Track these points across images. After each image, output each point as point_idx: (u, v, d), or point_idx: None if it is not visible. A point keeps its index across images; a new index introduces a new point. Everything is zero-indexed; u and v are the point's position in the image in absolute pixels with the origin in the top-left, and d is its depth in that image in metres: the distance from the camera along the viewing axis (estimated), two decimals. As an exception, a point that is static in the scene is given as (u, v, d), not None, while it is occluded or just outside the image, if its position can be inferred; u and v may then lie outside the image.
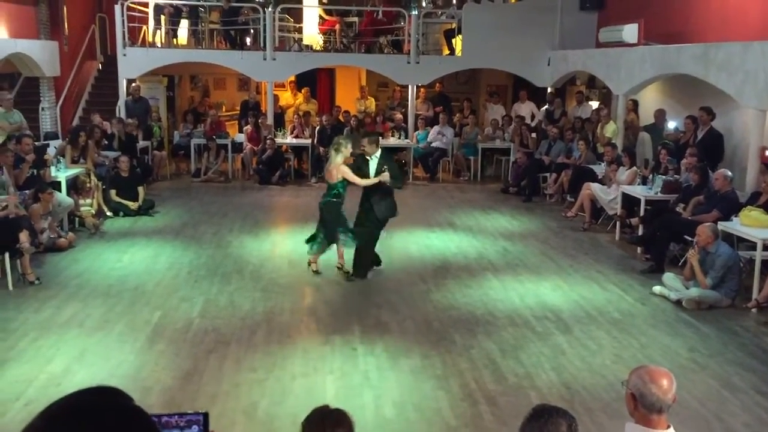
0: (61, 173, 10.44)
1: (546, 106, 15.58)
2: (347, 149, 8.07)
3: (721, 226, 7.95)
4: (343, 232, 8.16)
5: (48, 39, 14.73)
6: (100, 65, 16.94)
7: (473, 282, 8.22)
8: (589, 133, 13.07)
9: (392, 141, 14.81)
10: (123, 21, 14.70)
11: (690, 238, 7.90)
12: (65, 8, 15.35)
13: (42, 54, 14.02)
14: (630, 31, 12.56)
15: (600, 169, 11.64)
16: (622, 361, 6.00)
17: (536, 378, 5.72)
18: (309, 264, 8.44)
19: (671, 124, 12.06)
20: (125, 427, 1.29)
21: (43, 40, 14.54)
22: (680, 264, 7.76)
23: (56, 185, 10.00)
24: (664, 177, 9.76)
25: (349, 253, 8.32)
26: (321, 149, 14.55)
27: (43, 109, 14.60)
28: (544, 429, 2.40)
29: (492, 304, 7.48)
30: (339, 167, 8.00)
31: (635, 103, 13.01)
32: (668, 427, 2.82)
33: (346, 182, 8.09)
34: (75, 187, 10.52)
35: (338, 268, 8.35)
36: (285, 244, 10.03)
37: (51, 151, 11.05)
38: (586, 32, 15.14)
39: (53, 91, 14.93)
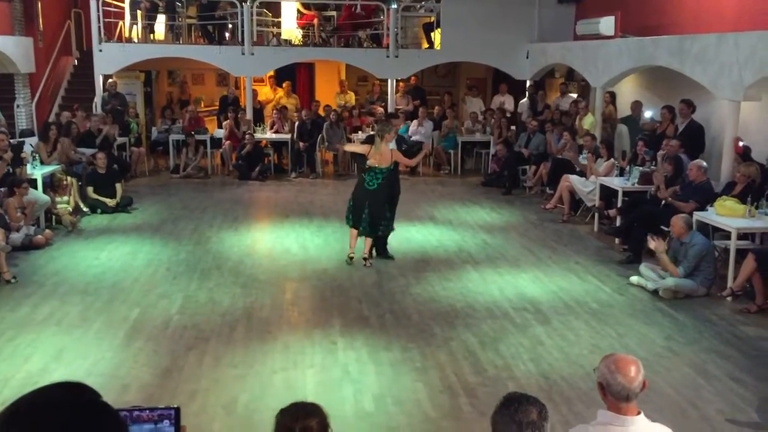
0: (37, 171, 10.34)
1: (525, 99, 15.66)
2: (390, 134, 8.47)
3: (697, 215, 8.06)
4: (386, 219, 8.56)
5: (22, 35, 14.56)
6: (75, 61, 16.78)
7: (453, 275, 8.26)
8: (569, 123, 13.14)
9: (361, 138, 14.78)
10: (99, 16, 14.56)
11: (666, 229, 7.98)
12: (40, 4, 15.18)
13: (16, 50, 13.85)
14: (607, 24, 12.68)
15: (582, 159, 11.68)
16: (599, 351, 6.04)
17: (515, 369, 5.77)
18: (364, 259, 8.52)
19: (647, 114, 12.19)
20: (91, 423, 1.29)
21: (17, 36, 14.36)
22: (656, 256, 7.83)
23: (33, 183, 9.90)
24: (640, 168, 9.85)
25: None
26: (301, 144, 14.54)
27: (18, 106, 14.44)
28: (515, 417, 2.43)
29: (472, 296, 7.52)
30: (394, 151, 8.43)
31: (613, 95, 13.11)
32: (638, 413, 2.86)
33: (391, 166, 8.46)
34: (52, 184, 10.43)
35: (365, 259, 8.56)
36: (265, 240, 10.02)
37: (27, 149, 10.94)
38: (564, 25, 15.25)
39: (28, 88, 14.77)
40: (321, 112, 15.39)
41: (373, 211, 8.43)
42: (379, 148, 8.39)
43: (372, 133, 8.97)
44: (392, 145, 8.53)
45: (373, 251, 8.73)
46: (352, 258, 8.58)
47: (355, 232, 8.60)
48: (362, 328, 6.61)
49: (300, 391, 5.24)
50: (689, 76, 9.70)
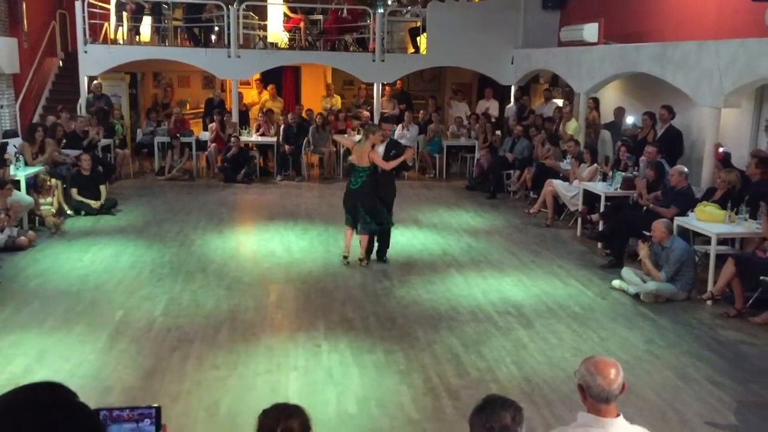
0: (21, 172, 10.27)
1: (512, 104, 15.77)
2: (375, 136, 8.53)
3: (678, 221, 8.16)
4: (385, 214, 8.64)
5: (6, 36, 14.43)
6: (60, 62, 16.68)
7: (437, 278, 8.30)
8: (552, 129, 13.23)
9: (357, 138, 14.81)
10: (84, 17, 14.51)
11: (648, 233, 8.07)
12: (24, 4, 15.07)
13: (0, 51, 13.74)
14: (590, 31, 12.79)
15: (565, 165, 11.78)
16: (581, 354, 6.08)
17: (498, 372, 5.81)
18: (360, 261, 8.61)
19: (629, 119, 12.32)
20: (67, 423, 1.30)
21: (1, 36, 14.24)
22: (638, 259, 7.93)
23: (16, 184, 9.84)
24: (623, 173, 9.95)
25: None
26: (286, 147, 14.54)
27: (1, 107, 14.32)
28: (489, 421, 2.47)
29: (455, 299, 7.56)
30: (372, 152, 8.46)
31: (596, 101, 13.22)
32: (618, 415, 2.90)
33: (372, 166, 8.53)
34: (35, 185, 10.37)
35: (360, 260, 8.65)
36: (250, 242, 10.02)
37: (11, 150, 10.88)
38: (549, 31, 15.38)
39: (12, 89, 14.65)
40: (305, 116, 15.41)
41: (367, 208, 8.50)
42: (362, 146, 8.50)
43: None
44: (381, 148, 8.58)
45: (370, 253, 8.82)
46: (346, 257, 8.69)
47: (349, 231, 8.68)
48: (346, 330, 6.63)
49: (283, 393, 5.26)
50: (671, 82, 9.81)
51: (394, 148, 8.78)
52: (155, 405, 1.95)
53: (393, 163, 8.57)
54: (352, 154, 8.60)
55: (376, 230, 8.61)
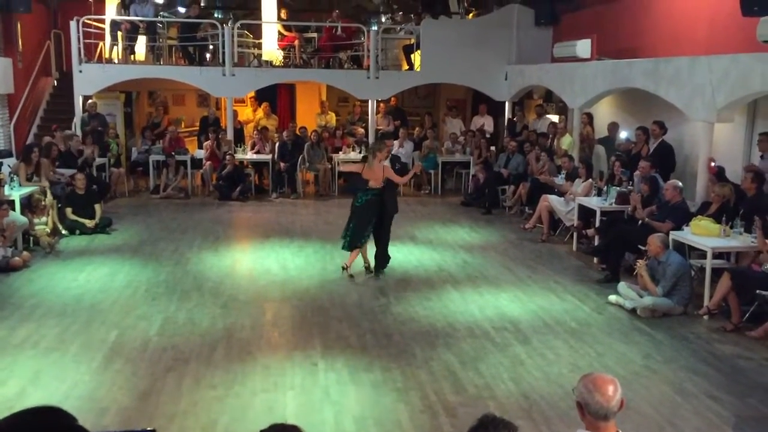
0: (15, 192, 10.25)
1: (508, 119, 15.86)
2: (382, 153, 8.74)
3: (673, 235, 8.17)
4: (369, 233, 8.82)
5: (1, 55, 14.46)
6: (55, 82, 16.70)
7: (433, 294, 8.29)
8: (546, 145, 13.28)
9: (353, 155, 14.88)
10: (79, 37, 14.55)
11: (643, 248, 8.09)
12: (19, 24, 15.12)
13: (-5, 71, 13.75)
14: (583, 47, 12.87)
15: (560, 180, 11.81)
16: (578, 370, 6.08)
17: (495, 388, 5.79)
18: (344, 269, 8.80)
19: (623, 134, 12.38)
20: None
21: (-5, 56, 14.27)
22: (634, 273, 7.93)
23: (10, 204, 9.81)
24: (617, 188, 9.97)
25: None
26: (281, 164, 14.55)
27: (-4, 126, 14.32)
28: None
29: (452, 316, 7.55)
30: (386, 167, 8.67)
31: (590, 117, 13.28)
32: (617, 432, 2.89)
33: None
34: (29, 205, 10.34)
35: (344, 268, 8.82)
36: (245, 260, 10.00)
37: (5, 170, 10.86)
38: (542, 47, 15.47)
39: (7, 109, 14.65)
40: (298, 133, 15.45)
41: (356, 226, 8.66)
42: (371, 165, 8.58)
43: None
44: (386, 163, 8.71)
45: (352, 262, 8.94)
46: (365, 268, 9.03)
47: (363, 248, 8.92)
48: (343, 348, 6.61)
49: (280, 413, 5.23)
50: (663, 98, 9.87)
51: (397, 162, 9.03)
52: (150, 429, 1.94)
53: (406, 177, 9.22)
54: (364, 176, 8.68)
55: (345, 247, 8.82)
